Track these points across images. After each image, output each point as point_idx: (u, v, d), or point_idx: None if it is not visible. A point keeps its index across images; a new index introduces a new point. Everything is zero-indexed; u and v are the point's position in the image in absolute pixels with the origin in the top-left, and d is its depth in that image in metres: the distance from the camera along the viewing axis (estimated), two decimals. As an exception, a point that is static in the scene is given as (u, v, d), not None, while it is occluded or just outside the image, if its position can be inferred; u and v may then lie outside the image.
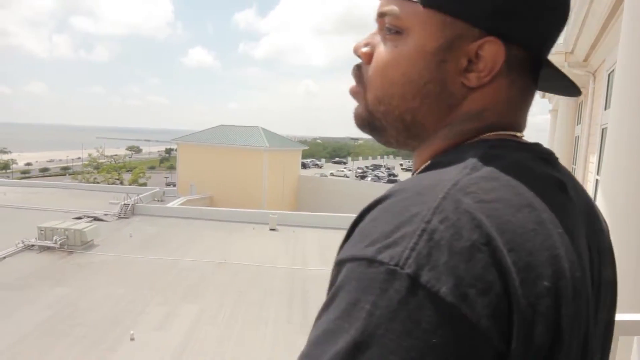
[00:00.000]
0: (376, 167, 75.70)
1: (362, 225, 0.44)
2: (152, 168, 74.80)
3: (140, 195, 27.10)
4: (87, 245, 17.47)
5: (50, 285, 13.47)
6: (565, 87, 0.58)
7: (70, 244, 17.08)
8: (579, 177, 5.99)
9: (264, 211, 24.61)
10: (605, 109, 4.25)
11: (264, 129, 37.50)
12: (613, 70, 3.48)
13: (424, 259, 0.38)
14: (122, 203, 23.78)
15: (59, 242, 16.89)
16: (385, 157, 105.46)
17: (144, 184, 45.18)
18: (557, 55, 5.50)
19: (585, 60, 5.38)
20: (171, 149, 78.41)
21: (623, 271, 1.95)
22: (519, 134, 0.54)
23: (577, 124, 6.86)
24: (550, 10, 0.50)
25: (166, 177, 57.27)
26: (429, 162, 0.53)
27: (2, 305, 11.82)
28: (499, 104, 0.53)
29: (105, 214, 23.08)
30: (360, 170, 64.61)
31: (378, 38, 0.56)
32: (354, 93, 0.59)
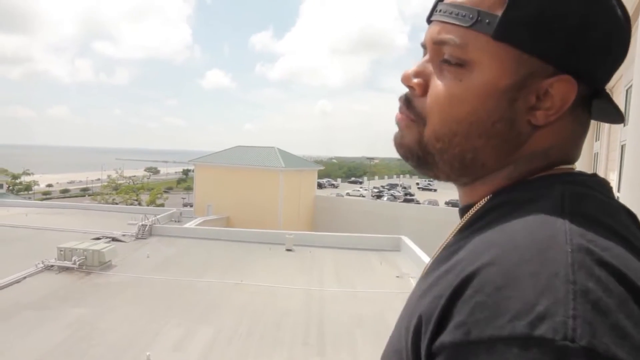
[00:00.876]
0: (392, 186, 75.38)
1: (482, 295, 0.37)
2: (170, 189, 75.51)
3: (158, 216, 27.35)
4: (105, 265, 17.62)
5: (68, 305, 13.57)
6: (612, 114, 0.55)
7: (89, 265, 17.25)
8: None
9: (280, 231, 24.61)
10: (624, 125, 4.19)
11: (280, 150, 37.75)
12: (631, 86, 3.44)
13: (592, 326, 0.33)
14: (140, 224, 24.00)
15: (78, 263, 17.07)
16: (401, 176, 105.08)
17: (162, 205, 45.63)
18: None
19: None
20: (188, 170, 79.24)
21: None
22: (574, 167, 0.53)
23: (596, 140, 6.77)
24: (619, 48, 0.49)
25: (183, 198, 57.78)
26: (490, 197, 0.50)
27: (22, 325, 11.93)
28: (564, 141, 0.51)
29: (124, 235, 23.30)
30: (376, 190, 64.36)
31: (430, 68, 0.52)
32: (403, 123, 0.55)
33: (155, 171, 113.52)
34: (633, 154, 1.93)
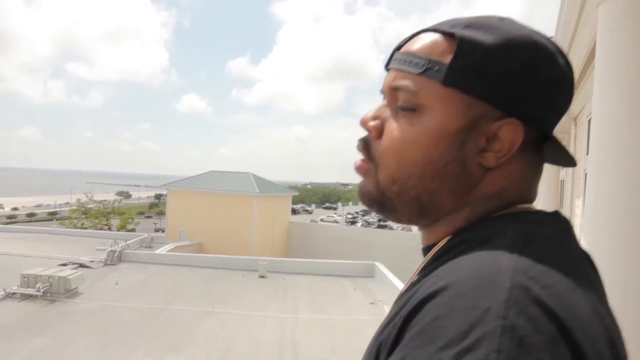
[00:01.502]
0: (366, 212, 75.69)
1: (421, 324, 0.40)
2: (142, 213, 74.05)
3: (128, 242, 26.69)
4: (71, 293, 17.02)
5: (30, 335, 13.00)
6: (564, 158, 0.58)
7: (54, 292, 16.63)
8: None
9: (254, 258, 24.32)
10: (587, 153, 4.36)
11: (254, 175, 37.61)
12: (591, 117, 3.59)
13: None
14: (109, 249, 23.37)
15: (42, 290, 16.44)
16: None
17: (133, 230, 44.59)
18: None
19: (566, 107, 5.55)
20: (161, 195, 77.98)
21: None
22: (532, 206, 0.54)
23: (562, 168, 6.98)
24: (562, 93, 0.52)
25: (155, 223, 56.66)
26: (450, 238, 0.52)
27: (-21, 357, 11.35)
28: (516, 182, 0.53)
29: (92, 261, 22.62)
30: (350, 216, 64.49)
31: (388, 112, 0.55)
32: (362, 170, 0.57)
33: (127, 195, 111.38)
34: (593, 182, 2.00)
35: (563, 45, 3.66)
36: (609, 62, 1.87)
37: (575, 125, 5.57)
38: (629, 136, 1.78)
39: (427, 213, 0.54)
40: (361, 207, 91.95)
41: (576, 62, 3.85)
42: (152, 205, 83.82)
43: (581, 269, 0.45)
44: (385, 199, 0.55)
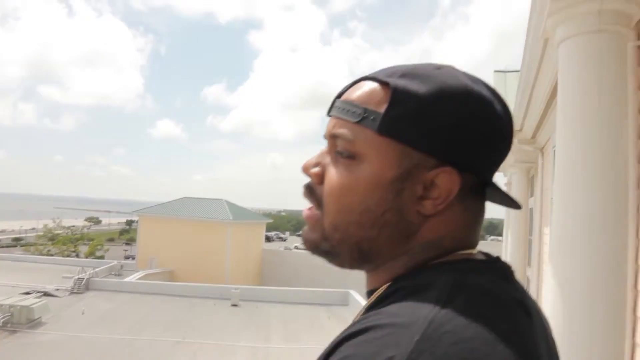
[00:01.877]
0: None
1: None
2: (111, 240, 72.14)
3: (96, 269, 25.95)
4: (34, 323, 16.34)
5: (-11, 368, 12.38)
6: (508, 201, 0.58)
7: (15, 322, 15.94)
8: (534, 248, 6.20)
9: (226, 286, 23.90)
10: (553, 183, 4.52)
11: (228, 202, 37.28)
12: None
13: None
14: (76, 277, 22.63)
15: (2, 320, 15.74)
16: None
17: (102, 257, 43.38)
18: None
19: (533, 137, 5.77)
20: (132, 221, 76.35)
21: (568, 342, 2.00)
22: (474, 251, 0.55)
23: (531, 196, 7.19)
24: (499, 142, 0.53)
25: (125, 250, 55.22)
26: (389, 284, 0.52)
27: None
28: (455, 229, 0.53)
29: (57, 289, 21.84)
30: (325, 243, 63.95)
31: (328, 158, 0.56)
32: (310, 219, 0.57)
33: (97, 221, 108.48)
34: (558, 209, 2.10)
35: (528, 80, 3.85)
36: (569, 97, 1.98)
37: (542, 155, 5.77)
38: (588, 166, 1.88)
39: (368, 259, 0.55)
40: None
41: (541, 96, 4.04)
42: (122, 232, 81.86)
43: (510, 320, 0.45)
44: (328, 245, 0.55)
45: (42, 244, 45.44)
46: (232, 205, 37.03)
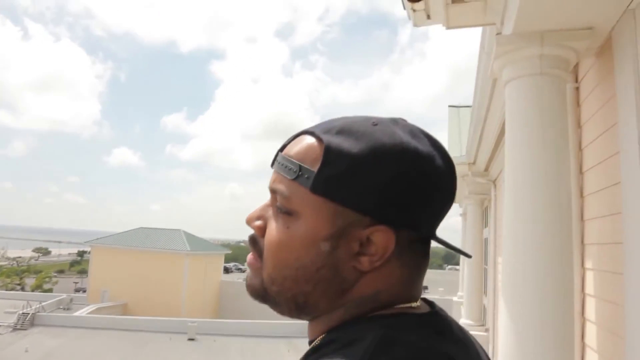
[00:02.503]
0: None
1: None
2: (61, 272, 68.71)
3: (43, 303, 24.62)
4: (-28, 362, 15.26)
5: None
6: (457, 250, 0.60)
7: (-48, 362, 14.84)
8: (489, 277, 6.37)
9: (183, 319, 23.15)
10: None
11: (185, 232, 36.51)
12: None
13: None
14: (20, 312, 21.40)
15: (-62, 360, 14.63)
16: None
17: (50, 290, 41.23)
18: (461, 166, 6.11)
19: (486, 170, 6.01)
20: (84, 252, 73.22)
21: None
22: (414, 304, 0.55)
23: (485, 227, 7.42)
24: (438, 196, 0.53)
25: (76, 283, 52.69)
26: (324, 336, 0.53)
27: None
28: (392, 285, 0.53)
29: (-1, 326, 20.54)
30: (285, 274, 63.21)
31: (270, 212, 0.56)
32: (252, 267, 0.58)
33: (46, 252, 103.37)
34: (508, 241, 2.19)
35: (479, 116, 4.05)
36: (515, 133, 2.11)
37: (495, 187, 6.01)
38: (535, 198, 1.99)
39: (304, 312, 0.55)
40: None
41: (492, 131, 4.25)
42: (73, 263, 78.23)
43: None
44: (267, 295, 0.56)
45: (-17, 277, 42.83)
46: (189, 236, 36.26)
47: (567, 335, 1.98)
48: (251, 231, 0.59)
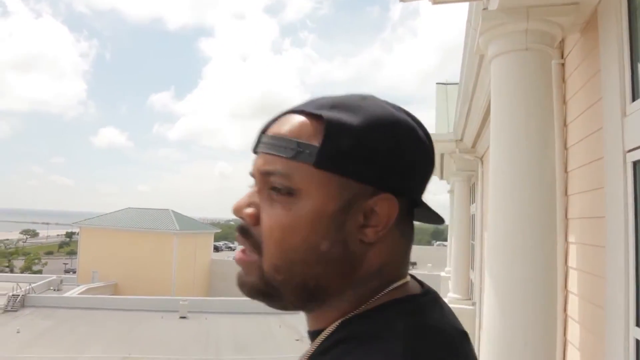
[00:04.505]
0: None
1: None
2: (50, 253, 68.46)
3: (33, 285, 24.58)
4: (-37, 344, 15.27)
5: None
6: (433, 217, 0.60)
7: (-58, 345, 14.85)
8: (477, 252, 6.47)
9: (174, 298, 23.30)
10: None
11: (174, 212, 36.41)
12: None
13: None
14: (10, 294, 21.36)
15: None
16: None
17: (39, 272, 41.11)
18: (448, 143, 6.13)
19: (473, 146, 6.04)
20: (73, 233, 72.80)
21: (504, 342, 2.10)
22: (407, 281, 0.56)
23: (472, 203, 7.51)
24: (426, 164, 0.56)
25: (65, 264, 52.53)
26: (337, 326, 0.52)
27: None
28: (395, 255, 0.54)
29: (-11, 307, 20.51)
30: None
31: (261, 198, 0.54)
32: (244, 264, 0.55)
33: (34, 234, 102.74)
34: (493, 215, 2.22)
35: (467, 93, 4.05)
36: (501, 109, 2.12)
37: (482, 164, 6.05)
38: (519, 173, 2.02)
39: (314, 298, 0.53)
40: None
41: (479, 107, 4.26)
42: (62, 245, 77.90)
43: (464, 355, 0.50)
44: (270, 288, 0.53)
45: (-29, 260, 42.53)
46: (178, 215, 36.19)
47: (550, 308, 2.03)
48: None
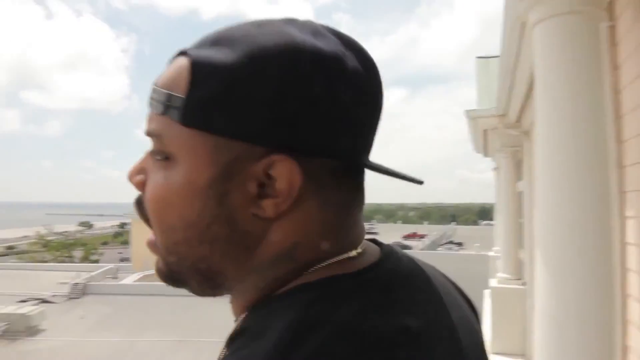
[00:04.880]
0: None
1: None
2: (105, 244, 71.88)
3: (92, 273, 25.91)
4: (32, 330, 16.33)
5: (-11, 378, 12.38)
6: (403, 177, 0.45)
7: (14, 330, 15.93)
8: (526, 230, 6.27)
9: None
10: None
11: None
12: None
13: None
14: (72, 283, 22.60)
15: (1, 330, 15.71)
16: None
17: (97, 261, 43.23)
18: (492, 118, 5.91)
19: (517, 121, 5.81)
20: (125, 223, 76.00)
21: (560, 331, 2.03)
22: (353, 252, 0.43)
23: (519, 180, 7.26)
24: (355, 108, 0.41)
25: (120, 253, 55.03)
26: (243, 318, 0.43)
27: None
28: (314, 233, 0.42)
29: (54, 295, 21.82)
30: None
31: (151, 163, 0.44)
32: (150, 245, 0.46)
33: (89, 225, 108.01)
34: (542, 193, 2.13)
35: (508, 65, 3.87)
36: (546, 79, 2.01)
37: (528, 138, 5.82)
38: (568, 147, 1.91)
39: (213, 283, 0.44)
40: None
41: (523, 79, 4.06)
42: (116, 235, 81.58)
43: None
44: (172, 271, 0.45)
45: (35, 251, 45.28)
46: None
47: (608, 286, 1.93)
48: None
